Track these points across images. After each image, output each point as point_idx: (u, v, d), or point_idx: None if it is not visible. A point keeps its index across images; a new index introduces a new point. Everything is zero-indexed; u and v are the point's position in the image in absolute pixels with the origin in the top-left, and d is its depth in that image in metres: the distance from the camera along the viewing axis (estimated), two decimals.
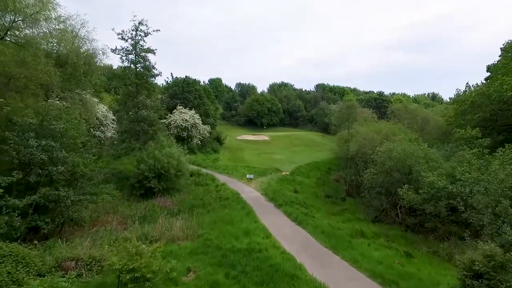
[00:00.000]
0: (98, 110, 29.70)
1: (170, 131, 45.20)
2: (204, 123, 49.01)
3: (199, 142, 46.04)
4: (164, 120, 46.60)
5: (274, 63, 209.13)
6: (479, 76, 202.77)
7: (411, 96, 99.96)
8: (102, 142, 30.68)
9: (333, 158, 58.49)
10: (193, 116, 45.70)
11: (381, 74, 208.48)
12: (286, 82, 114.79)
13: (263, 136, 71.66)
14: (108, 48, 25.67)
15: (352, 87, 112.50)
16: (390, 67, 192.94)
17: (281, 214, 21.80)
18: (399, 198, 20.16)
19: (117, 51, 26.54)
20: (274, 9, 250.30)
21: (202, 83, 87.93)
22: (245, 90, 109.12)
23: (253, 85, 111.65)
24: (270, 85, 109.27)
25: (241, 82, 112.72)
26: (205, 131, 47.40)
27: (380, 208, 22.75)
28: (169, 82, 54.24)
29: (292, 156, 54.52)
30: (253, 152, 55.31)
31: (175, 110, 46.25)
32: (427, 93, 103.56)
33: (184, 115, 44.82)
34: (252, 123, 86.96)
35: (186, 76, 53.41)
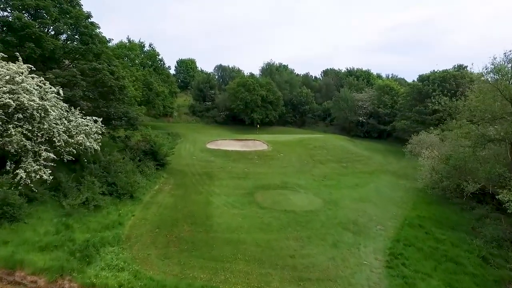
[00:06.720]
0: None
1: None
2: (91, 112, 16.18)
3: (48, 175, 13.07)
4: None
5: (261, 61, 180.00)
6: None
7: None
8: None
9: (433, 203, 23.80)
10: (23, 79, 12.55)
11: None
12: (285, 64, 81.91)
13: (257, 143, 38.90)
14: None
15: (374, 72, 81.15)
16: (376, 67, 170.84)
17: None
18: None
19: None
20: (262, 8, 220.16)
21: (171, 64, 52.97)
22: (228, 74, 76.19)
23: (238, 68, 78.59)
24: (264, 64, 74.37)
25: (222, 64, 79.32)
26: (81, 137, 14.51)
27: None
28: None
29: (331, 196, 22.47)
30: (238, 185, 22.98)
31: None
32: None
33: None
34: (237, 120, 55.07)
35: None
